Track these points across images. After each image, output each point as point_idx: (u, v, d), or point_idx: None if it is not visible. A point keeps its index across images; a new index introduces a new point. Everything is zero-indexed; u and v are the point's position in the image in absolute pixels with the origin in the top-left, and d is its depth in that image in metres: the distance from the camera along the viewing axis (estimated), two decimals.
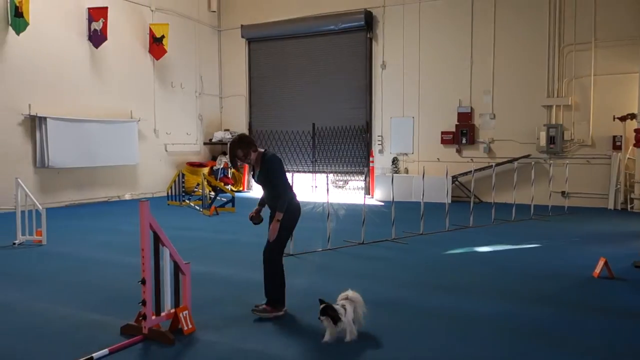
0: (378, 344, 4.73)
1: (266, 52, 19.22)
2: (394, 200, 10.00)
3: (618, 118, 13.77)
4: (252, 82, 19.59)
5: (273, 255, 5.42)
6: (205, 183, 13.98)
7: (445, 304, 5.88)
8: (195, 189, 15.69)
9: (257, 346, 4.64)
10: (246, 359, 4.39)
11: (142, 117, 16.60)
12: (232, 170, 18.79)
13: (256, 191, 18.86)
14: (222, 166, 18.23)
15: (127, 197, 16.19)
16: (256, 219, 5.65)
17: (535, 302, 5.95)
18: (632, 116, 13.51)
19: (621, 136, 13.98)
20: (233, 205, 13.51)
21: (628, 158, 14.06)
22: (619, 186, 14.06)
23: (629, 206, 13.87)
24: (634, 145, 13.51)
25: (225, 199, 13.75)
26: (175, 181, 15.15)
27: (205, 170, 17.54)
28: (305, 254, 8.37)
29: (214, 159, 19.29)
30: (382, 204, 15.20)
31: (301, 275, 7.15)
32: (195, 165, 17.84)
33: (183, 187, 15.15)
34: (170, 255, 4.88)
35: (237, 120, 19.75)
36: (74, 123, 14.39)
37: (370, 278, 7.01)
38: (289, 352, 4.51)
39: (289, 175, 5.77)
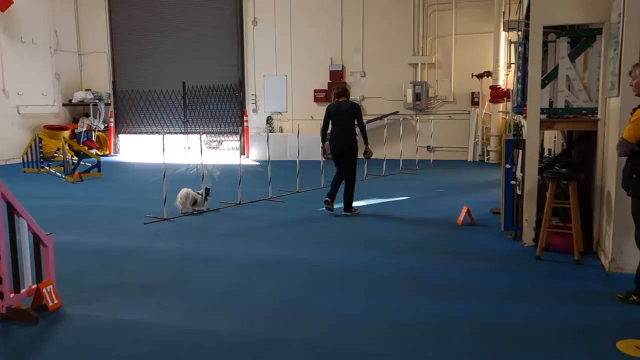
0: (245, 298, 4.71)
1: (129, 4, 17.98)
2: (270, 159, 9.96)
3: (475, 75, 14.70)
4: (114, 38, 18.27)
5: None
6: (67, 147, 12.97)
7: (318, 257, 6.00)
8: (56, 154, 14.52)
9: (132, 316, 4.42)
10: (122, 330, 4.17)
11: None
12: (98, 133, 17.62)
13: (124, 156, 17.94)
14: (85, 129, 17.00)
15: None
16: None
17: (403, 251, 6.28)
18: (488, 74, 14.49)
19: (478, 93, 15.00)
20: (99, 170, 12.69)
21: (485, 113, 15.15)
22: (477, 139, 15.15)
23: (485, 158, 15.05)
24: (490, 101, 14.57)
25: (90, 164, 12.88)
26: (31, 146, 13.90)
27: (66, 133, 16.27)
28: (180, 217, 8.11)
29: (76, 121, 17.92)
30: (258, 163, 15.12)
31: (174, 239, 6.93)
32: (54, 129, 16.45)
33: (41, 152, 13.94)
34: (29, 226, 4.45)
35: (99, 80, 18.39)
36: None
37: (247, 237, 6.96)
38: (166, 319, 4.35)
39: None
